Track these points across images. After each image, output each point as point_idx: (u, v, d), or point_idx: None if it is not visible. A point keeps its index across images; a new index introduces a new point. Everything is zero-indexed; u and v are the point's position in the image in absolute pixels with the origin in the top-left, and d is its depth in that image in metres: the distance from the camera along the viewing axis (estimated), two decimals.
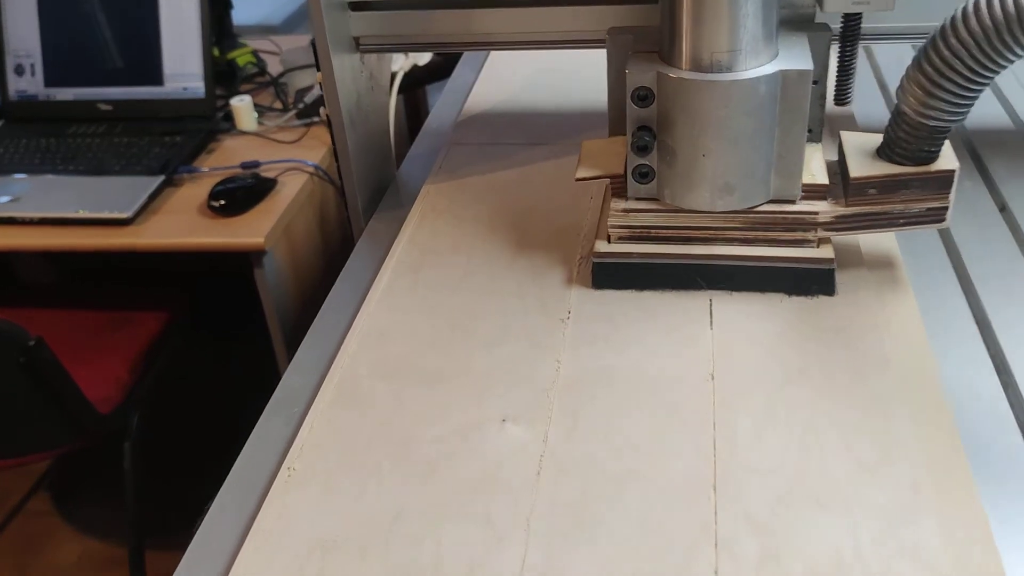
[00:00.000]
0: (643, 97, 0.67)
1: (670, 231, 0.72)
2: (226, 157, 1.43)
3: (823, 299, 0.71)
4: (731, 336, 0.68)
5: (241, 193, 1.33)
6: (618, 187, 0.72)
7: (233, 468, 0.63)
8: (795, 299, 0.71)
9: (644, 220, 0.71)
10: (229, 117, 1.47)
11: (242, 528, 0.58)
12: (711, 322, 0.70)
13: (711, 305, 0.71)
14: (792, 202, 0.70)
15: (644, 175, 0.70)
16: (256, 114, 1.47)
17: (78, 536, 1.63)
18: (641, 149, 0.69)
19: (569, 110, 1.06)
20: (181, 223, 1.31)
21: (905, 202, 0.69)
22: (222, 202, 1.31)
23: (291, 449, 0.62)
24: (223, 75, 1.54)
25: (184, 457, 1.67)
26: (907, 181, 0.68)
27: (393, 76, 1.08)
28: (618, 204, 0.72)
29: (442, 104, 1.17)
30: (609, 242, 0.73)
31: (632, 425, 0.61)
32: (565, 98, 1.08)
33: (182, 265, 1.51)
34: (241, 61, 1.57)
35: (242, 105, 1.45)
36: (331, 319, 0.77)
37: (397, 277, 0.78)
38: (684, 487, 0.57)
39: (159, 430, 1.49)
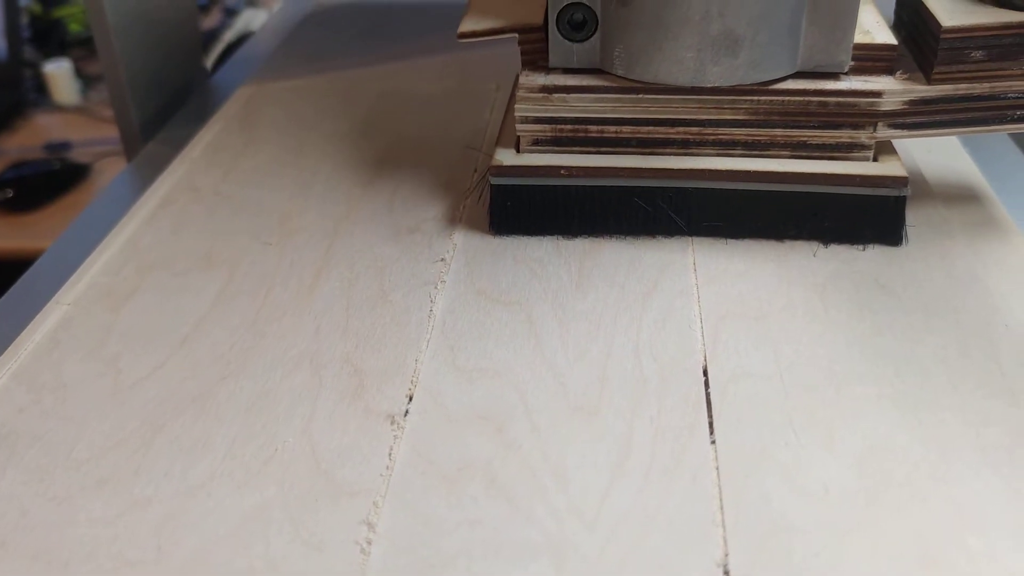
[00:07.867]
0: None
1: (624, 129, 0.41)
2: (33, 136, 1.11)
3: (884, 253, 0.41)
4: (736, 339, 0.38)
5: (37, 181, 1.00)
6: (533, 50, 0.42)
7: None
8: (836, 252, 0.41)
9: (578, 108, 0.41)
10: (43, 87, 1.15)
11: None
12: (699, 305, 0.39)
13: (695, 268, 0.40)
14: (835, 77, 0.40)
15: (579, 25, 0.40)
16: (81, 84, 1.15)
17: None
18: None
19: None
20: None
21: None
22: (8, 192, 0.99)
23: None
24: (43, 35, 1.21)
25: None
26: None
27: None
28: (533, 80, 0.41)
29: None
30: (518, 151, 0.42)
31: None
32: None
33: None
34: (74, 24, 1.24)
35: (59, 72, 1.13)
36: None
37: (76, 319, 0.38)
38: None
39: None
